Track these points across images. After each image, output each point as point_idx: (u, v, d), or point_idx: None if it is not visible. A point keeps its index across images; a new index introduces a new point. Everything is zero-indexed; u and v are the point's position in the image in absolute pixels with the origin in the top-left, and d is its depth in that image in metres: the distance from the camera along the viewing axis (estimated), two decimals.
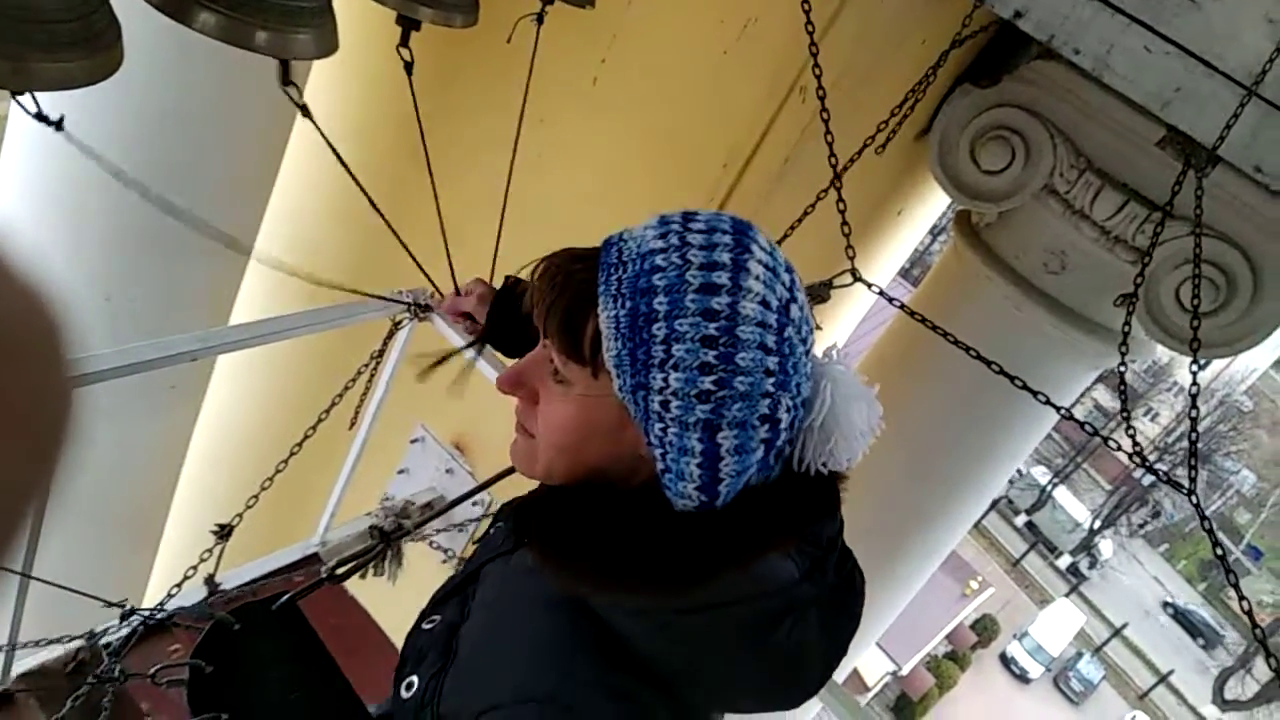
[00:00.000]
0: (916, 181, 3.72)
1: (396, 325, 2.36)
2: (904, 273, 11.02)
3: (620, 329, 0.76)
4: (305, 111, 1.68)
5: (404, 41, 1.81)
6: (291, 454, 2.29)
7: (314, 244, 3.30)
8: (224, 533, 2.18)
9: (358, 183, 1.84)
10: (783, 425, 0.78)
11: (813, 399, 0.81)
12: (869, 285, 2.10)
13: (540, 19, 2.00)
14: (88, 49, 1.28)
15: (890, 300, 2.33)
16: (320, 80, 2.81)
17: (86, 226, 2.65)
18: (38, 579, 1.79)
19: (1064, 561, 27.89)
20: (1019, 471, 28.05)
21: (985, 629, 24.00)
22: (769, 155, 2.53)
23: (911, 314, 2.41)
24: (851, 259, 2.08)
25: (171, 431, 3.16)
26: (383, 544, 1.62)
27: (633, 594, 0.78)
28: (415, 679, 0.89)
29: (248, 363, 3.53)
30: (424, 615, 1.00)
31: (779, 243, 2.36)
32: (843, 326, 4.49)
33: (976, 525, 26.53)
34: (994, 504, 27.43)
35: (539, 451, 0.86)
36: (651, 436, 0.78)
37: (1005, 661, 24.49)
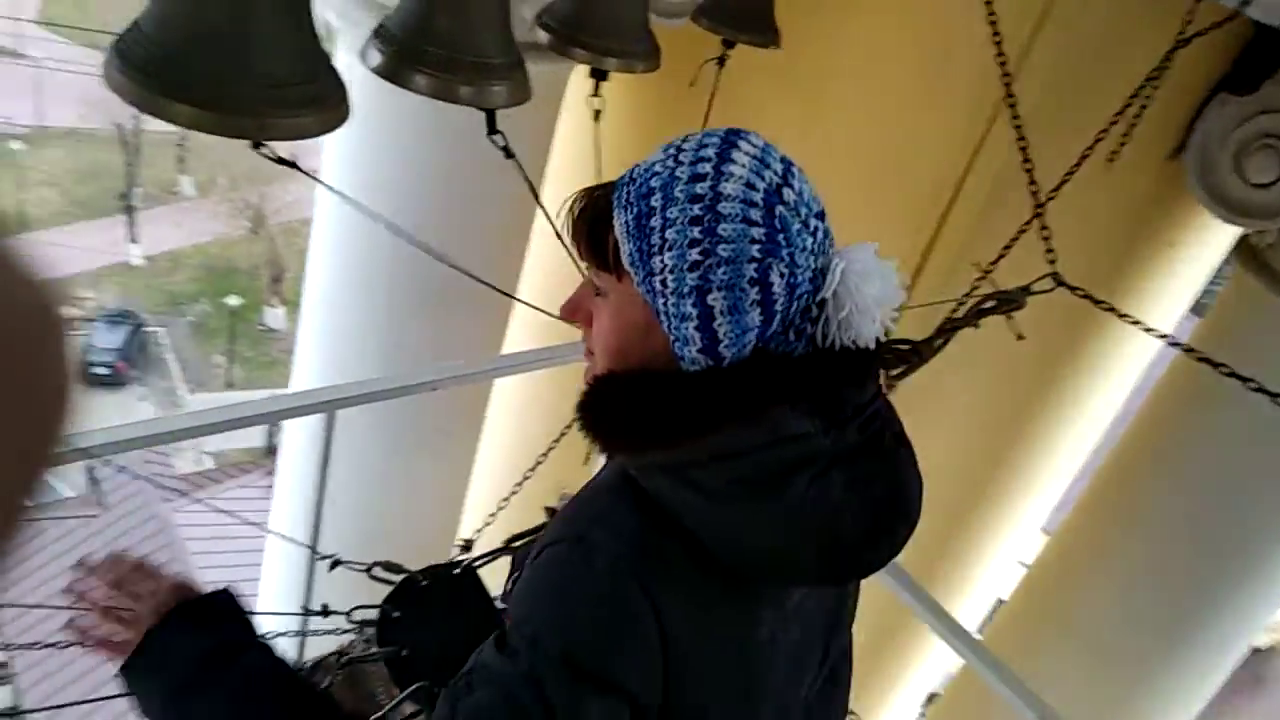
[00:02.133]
0: (1186, 210, 3.43)
1: None
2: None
3: (629, 231, 0.88)
4: (509, 153, 1.91)
5: (595, 91, 2.03)
6: (525, 478, 2.53)
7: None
8: (467, 546, 2.43)
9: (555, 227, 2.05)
10: (776, 289, 0.85)
11: (828, 276, 0.88)
12: (1073, 289, 2.01)
13: (721, 61, 2.16)
14: (317, 106, 1.58)
15: (1118, 315, 2.18)
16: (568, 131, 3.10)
17: (376, 291, 3.12)
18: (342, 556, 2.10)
19: None
20: None
21: None
22: (979, 179, 2.49)
23: (1177, 345, 2.24)
24: (1052, 263, 2.00)
25: (451, 472, 3.56)
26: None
27: (646, 448, 0.88)
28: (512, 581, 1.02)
29: (516, 406, 3.90)
30: None
31: (994, 262, 2.31)
32: (1128, 373, 4.13)
33: None
34: None
35: (597, 365, 0.98)
36: (660, 315, 0.88)
37: None
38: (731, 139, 0.88)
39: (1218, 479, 3.47)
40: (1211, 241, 3.88)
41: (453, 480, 3.60)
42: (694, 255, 0.84)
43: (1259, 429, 3.14)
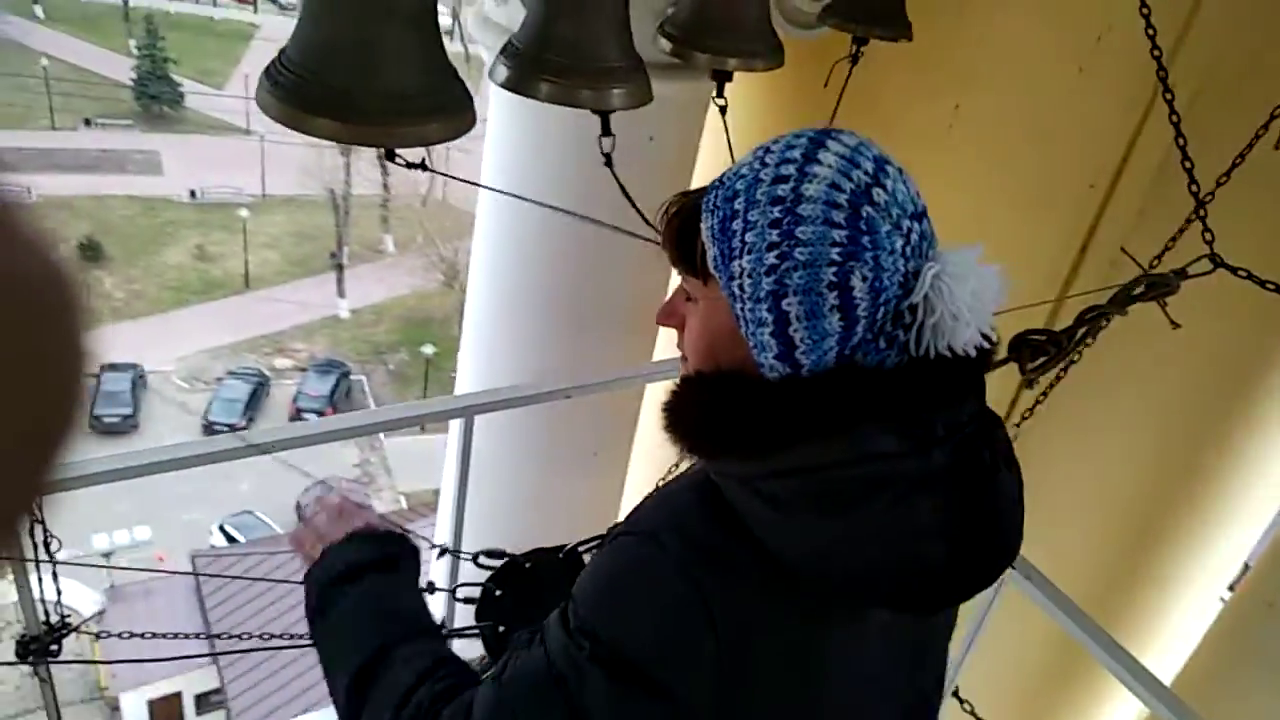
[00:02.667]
0: None
1: None
2: None
3: (714, 235, 0.87)
4: (608, 161, 1.95)
5: (719, 93, 2.05)
6: (658, 486, 2.54)
7: None
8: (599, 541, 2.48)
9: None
10: (857, 293, 0.81)
11: (919, 280, 0.83)
12: (1234, 270, 1.84)
13: (855, 59, 2.13)
14: (442, 115, 1.66)
15: None
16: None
17: (527, 314, 3.24)
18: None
19: None
20: None
21: None
22: (1139, 167, 2.34)
23: None
24: (1209, 243, 1.85)
25: (602, 492, 3.63)
26: None
27: (723, 454, 0.87)
28: None
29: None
30: None
31: (1159, 257, 2.16)
32: None
33: None
34: None
35: (689, 368, 0.97)
36: (740, 320, 0.86)
37: None
38: (820, 139, 0.85)
39: None
40: None
41: (604, 495, 3.66)
42: (770, 259, 0.82)
43: None
